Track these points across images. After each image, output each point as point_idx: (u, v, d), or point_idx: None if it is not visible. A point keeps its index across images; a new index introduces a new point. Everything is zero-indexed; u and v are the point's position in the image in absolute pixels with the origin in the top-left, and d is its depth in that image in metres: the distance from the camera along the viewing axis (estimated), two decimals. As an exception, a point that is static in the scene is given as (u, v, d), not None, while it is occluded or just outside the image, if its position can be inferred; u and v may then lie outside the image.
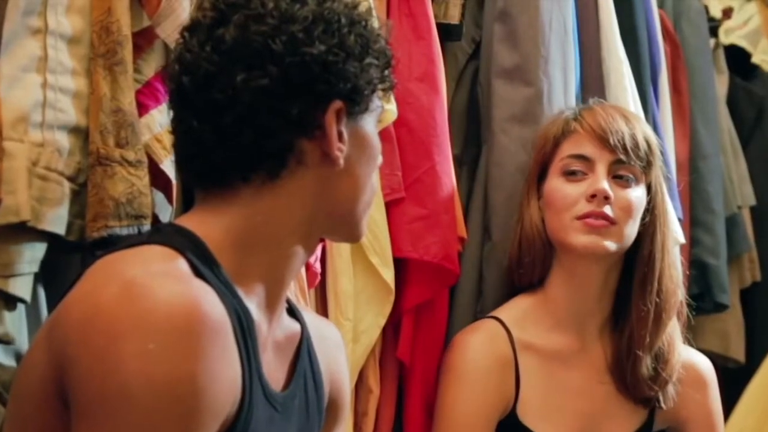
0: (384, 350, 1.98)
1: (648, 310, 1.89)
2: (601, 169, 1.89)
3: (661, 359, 1.92)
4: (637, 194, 1.90)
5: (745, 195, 3.10)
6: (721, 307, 2.83)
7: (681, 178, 2.68)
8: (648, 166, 1.91)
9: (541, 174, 1.95)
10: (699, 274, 2.77)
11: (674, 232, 2.06)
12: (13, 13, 1.45)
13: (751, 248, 3.11)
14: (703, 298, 2.78)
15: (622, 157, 1.89)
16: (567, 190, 1.90)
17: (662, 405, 1.93)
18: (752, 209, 3.17)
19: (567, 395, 1.92)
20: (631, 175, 1.90)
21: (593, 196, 1.87)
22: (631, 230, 1.89)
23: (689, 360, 1.99)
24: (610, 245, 1.87)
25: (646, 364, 1.90)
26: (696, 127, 2.83)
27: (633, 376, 1.91)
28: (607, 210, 1.87)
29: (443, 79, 2.01)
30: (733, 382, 2.96)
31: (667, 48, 2.75)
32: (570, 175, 1.91)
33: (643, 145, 1.90)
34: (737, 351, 3.03)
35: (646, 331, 1.89)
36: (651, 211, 1.92)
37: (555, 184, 1.92)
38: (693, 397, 1.98)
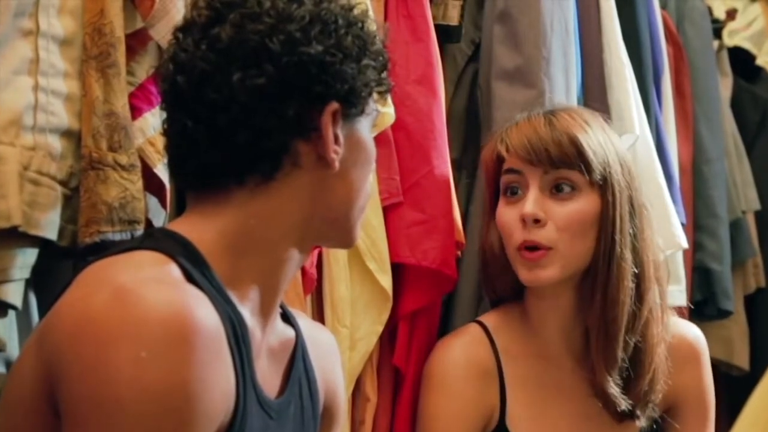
0: (381, 358, 1.98)
1: (594, 325, 1.82)
2: (533, 186, 1.81)
3: (633, 373, 1.85)
4: (579, 206, 1.81)
5: (750, 199, 3.10)
6: (724, 314, 2.83)
7: (684, 182, 2.69)
8: (588, 170, 1.80)
9: (496, 196, 1.89)
10: (702, 279, 2.78)
11: (675, 236, 2.03)
12: (3, 15, 1.45)
13: (756, 253, 3.12)
14: (706, 304, 2.78)
15: (551, 167, 1.81)
16: (506, 216, 1.84)
17: (641, 421, 1.88)
18: (756, 214, 3.17)
19: (559, 407, 1.89)
20: (571, 183, 1.81)
21: (524, 220, 1.80)
22: (578, 248, 1.81)
23: (679, 332, 1.94)
24: (554, 273, 1.80)
25: (612, 381, 1.83)
26: (699, 131, 2.83)
27: (604, 393, 1.85)
28: (540, 236, 1.80)
29: (441, 81, 2.01)
30: (736, 389, 2.98)
31: (670, 50, 2.75)
32: (510, 195, 1.84)
33: (568, 147, 1.80)
34: (741, 358, 3.03)
35: (601, 347, 1.82)
36: (599, 216, 1.82)
37: (499, 208, 1.86)
38: (686, 373, 1.94)
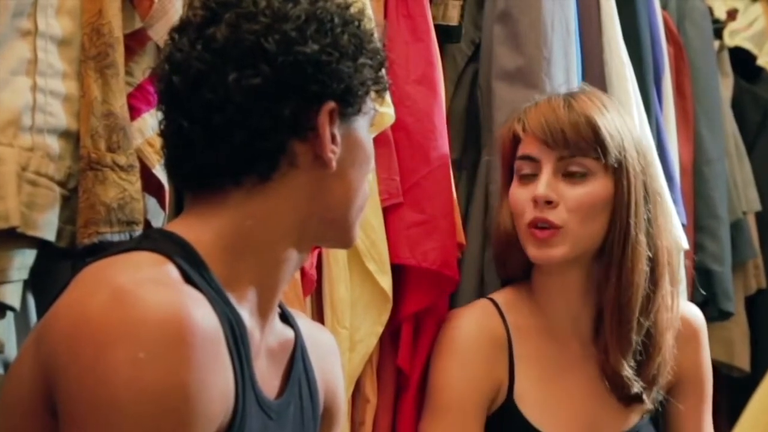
0: (381, 359, 1.97)
1: (608, 307, 1.85)
2: (546, 169, 1.83)
3: (644, 357, 1.88)
4: (590, 190, 1.83)
5: (750, 200, 3.09)
6: (725, 315, 2.83)
7: (685, 183, 2.68)
8: (603, 154, 1.82)
9: (510, 176, 1.92)
10: (703, 280, 2.77)
11: (675, 237, 2.03)
12: (2, 15, 1.45)
13: (756, 254, 3.11)
14: (707, 305, 2.78)
15: (567, 152, 1.83)
16: (518, 195, 1.87)
17: (647, 404, 1.91)
18: (757, 215, 3.17)
19: (566, 387, 1.91)
20: (582, 170, 1.83)
21: (536, 201, 1.83)
22: (588, 230, 1.83)
23: (681, 313, 1.96)
24: (561, 253, 1.83)
25: (626, 364, 1.86)
26: (700, 131, 2.83)
27: (616, 375, 1.88)
28: (551, 215, 1.82)
29: (442, 81, 2.01)
30: (737, 391, 2.98)
31: (671, 50, 2.75)
32: (524, 178, 1.87)
33: (587, 133, 1.82)
34: (742, 360, 3.03)
35: (616, 330, 1.85)
36: (613, 199, 1.84)
37: (512, 188, 1.89)
38: (688, 354, 1.97)
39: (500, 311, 1.92)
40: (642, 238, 1.84)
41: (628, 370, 1.87)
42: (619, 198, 1.84)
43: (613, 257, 1.84)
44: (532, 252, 1.85)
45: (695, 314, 2.03)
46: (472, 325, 1.91)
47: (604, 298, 1.86)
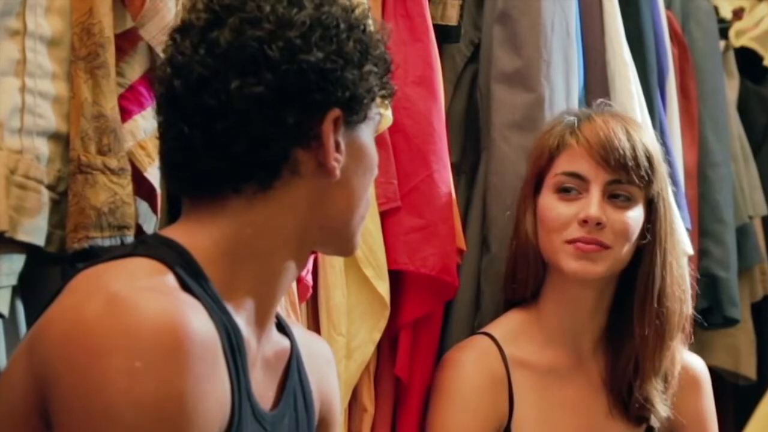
0: (379, 367, 1.98)
1: (649, 333, 1.89)
2: (595, 190, 1.87)
3: (666, 380, 1.94)
4: (634, 215, 1.88)
5: (757, 204, 3.10)
6: (731, 322, 2.83)
7: (689, 187, 2.69)
8: (649, 182, 1.89)
9: (537, 185, 1.94)
10: (708, 286, 2.78)
11: (682, 244, 2.06)
12: (-10, 15, 1.45)
13: (763, 260, 3.12)
14: (712, 312, 2.78)
15: (621, 177, 1.87)
16: (559, 209, 1.89)
17: (654, 424, 1.95)
18: (764, 219, 3.17)
19: (563, 411, 1.93)
20: (629, 195, 1.88)
21: (585, 221, 1.86)
22: (625, 252, 1.89)
23: (683, 361, 2.00)
24: (601, 270, 1.87)
25: (656, 386, 1.91)
26: (705, 134, 2.83)
27: (641, 397, 1.91)
28: (602, 236, 1.86)
29: (441, 82, 2.01)
30: (743, 399, 2.98)
31: (675, 51, 2.75)
32: (563, 192, 1.89)
33: (643, 162, 1.87)
34: (748, 367, 3.03)
35: (652, 354, 1.90)
36: (651, 228, 1.90)
37: (548, 201, 1.90)
38: (688, 400, 2.00)
39: (498, 345, 1.93)
40: (676, 266, 1.91)
41: (659, 394, 1.91)
42: (658, 227, 1.90)
43: (654, 284, 1.89)
44: (572, 266, 1.87)
45: (696, 363, 2.06)
46: (473, 371, 1.91)
47: (644, 325, 1.89)
